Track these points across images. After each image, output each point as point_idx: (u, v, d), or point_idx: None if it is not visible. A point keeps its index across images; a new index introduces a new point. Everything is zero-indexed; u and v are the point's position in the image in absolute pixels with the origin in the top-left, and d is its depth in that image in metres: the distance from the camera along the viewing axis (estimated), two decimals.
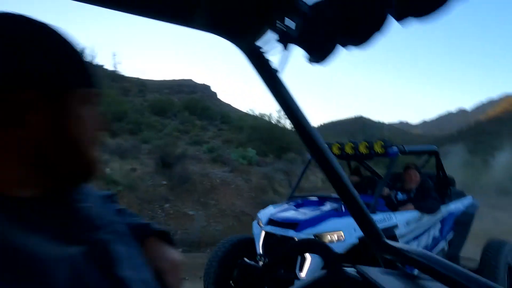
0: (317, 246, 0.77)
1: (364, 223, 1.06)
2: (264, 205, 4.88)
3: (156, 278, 0.64)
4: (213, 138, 21.67)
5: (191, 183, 9.35)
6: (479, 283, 0.72)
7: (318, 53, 0.82)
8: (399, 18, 0.56)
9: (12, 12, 0.50)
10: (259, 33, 0.85)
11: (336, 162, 1.03)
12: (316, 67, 0.93)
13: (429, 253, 0.88)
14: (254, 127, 19.99)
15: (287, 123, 22.52)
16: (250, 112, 26.84)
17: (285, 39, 0.84)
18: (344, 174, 1.05)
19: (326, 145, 1.02)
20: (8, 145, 0.48)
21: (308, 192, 8.16)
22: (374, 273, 0.88)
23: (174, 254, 0.74)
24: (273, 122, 21.83)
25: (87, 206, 0.67)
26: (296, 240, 3.11)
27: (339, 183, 1.03)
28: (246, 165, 12.44)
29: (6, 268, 0.40)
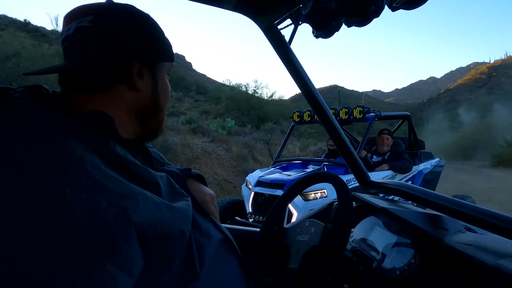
0: (328, 176, 1.00)
1: (354, 166, 1.34)
2: (245, 173, 5.13)
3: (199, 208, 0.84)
4: (190, 110, 21.49)
5: (172, 153, 9.44)
6: (449, 200, 0.97)
7: (325, 29, 1.03)
8: (392, 7, 0.79)
9: (121, 4, 0.66)
10: (277, 14, 1.05)
11: (334, 119, 1.28)
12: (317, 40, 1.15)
13: (406, 183, 1.16)
14: (232, 98, 19.95)
15: (264, 93, 22.59)
16: (226, 83, 26.61)
17: (298, 18, 1.05)
18: (341, 129, 1.30)
19: (327, 105, 1.26)
20: (120, 101, 0.66)
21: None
22: (366, 197, 1.16)
23: (210, 190, 0.96)
24: (250, 92, 21.83)
25: (153, 150, 0.90)
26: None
27: (338, 137, 1.29)
28: (226, 135, 12.62)
29: (140, 178, 0.59)
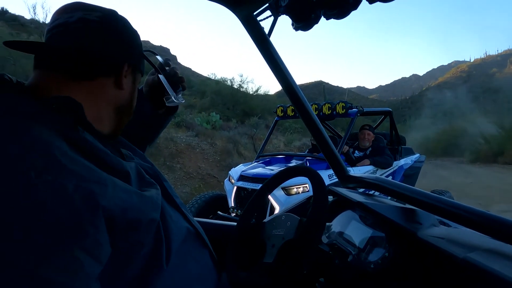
0: (304, 169, 0.99)
1: (333, 160, 1.35)
2: (229, 168, 5.12)
3: None
4: None
5: (155, 147, 9.33)
6: (423, 194, 0.98)
7: (304, 21, 1.02)
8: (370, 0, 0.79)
9: (121, 15, 0.72)
10: (257, 4, 1.03)
11: (313, 113, 1.28)
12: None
13: (383, 178, 1.17)
14: (217, 92, 19.82)
15: (250, 88, 22.53)
16: (212, 77, 26.40)
17: (278, 10, 1.03)
18: (320, 124, 1.30)
19: (306, 99, 1.25)
20: (104, 94, 0.68)
21: None
22: (343, 191, 1.17)
23: None
24: (235, 87, 21.73)
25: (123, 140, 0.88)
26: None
27: (317, 131, 1.29)
28: (211, 130, 12.54)
29: (109, 166, 0.58)
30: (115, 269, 0.55)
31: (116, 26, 0.69)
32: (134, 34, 0.74)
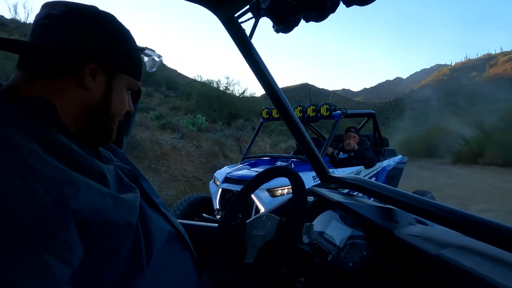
0: (284, 170, 1.00)
1: (315, 161, 1.36)
2: (215, 170, 5.11)
3: None
4: (160, 105, 21.04)
5: (140, 150, 9.22)
6: (400, 194, 1.00)
7: (284, 23, 1.04)
8: (346, 2, 0.81)
9: (100, 10, 0.67)
10: (237, 6, 1.04)
11: (295, 115, 1.29)
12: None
13: (363, 178, 1.19)
14: (203, 94, 19.75)
15: (236, 90, 22.51)
16: (198, 79, 26.30)
17: (259, 12, 1.04)
18: (302, 126, 1.31)
19: (288, 101, 1.26)
20: (67, 94, 0.64)
21: None
22: (324, 191, 1.18)
23: None
24: (221, 89, 21.69)
25: (101, 148, 0.87)
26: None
27: (298, 132, 1.30)
28: (196, 132, 12.47)
29: (85, 168, 0.58)
30: (93, 272, 0.55)
31: (83, 21, 0.64)
32: (110, 30, 0.68)
